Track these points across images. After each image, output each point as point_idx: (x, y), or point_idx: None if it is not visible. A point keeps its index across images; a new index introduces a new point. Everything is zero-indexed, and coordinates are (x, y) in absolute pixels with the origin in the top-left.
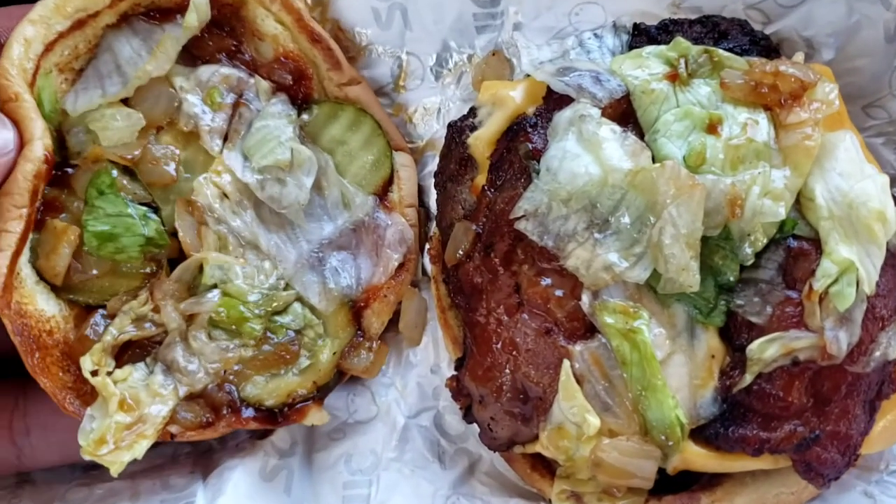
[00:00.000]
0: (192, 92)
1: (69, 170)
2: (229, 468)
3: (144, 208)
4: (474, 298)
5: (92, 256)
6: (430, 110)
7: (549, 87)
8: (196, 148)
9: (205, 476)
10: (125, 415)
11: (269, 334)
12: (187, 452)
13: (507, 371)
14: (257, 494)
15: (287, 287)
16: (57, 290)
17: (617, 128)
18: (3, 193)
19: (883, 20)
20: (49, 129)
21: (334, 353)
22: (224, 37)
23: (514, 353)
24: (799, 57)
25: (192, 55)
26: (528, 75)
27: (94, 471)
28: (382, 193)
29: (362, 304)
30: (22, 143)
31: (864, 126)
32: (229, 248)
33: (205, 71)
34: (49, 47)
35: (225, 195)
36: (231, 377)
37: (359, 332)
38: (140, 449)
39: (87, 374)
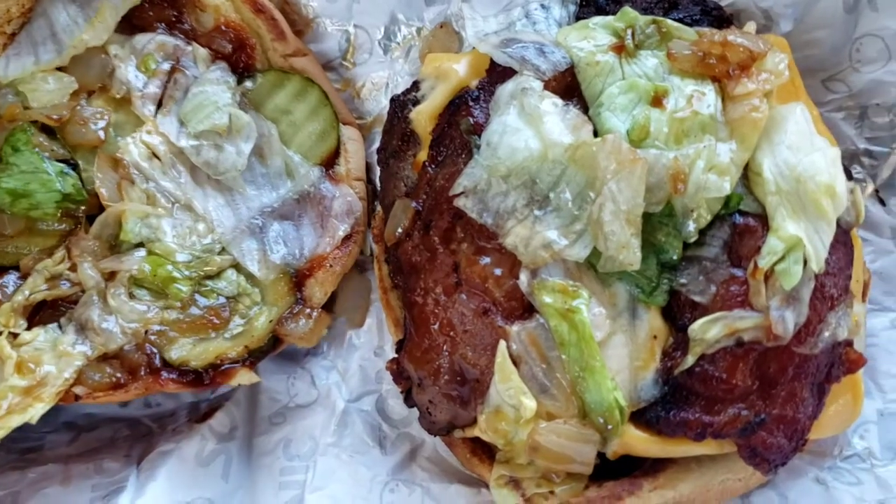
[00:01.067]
0: (127, 59)
1: None
2: (164, 452)
3: (62, 165)
4: (412, 278)
5: (5, 214)
6: (378, 85)
7: (492, 60)
8: (128, 113)
9: (139, 460)
10: (22, 378)
11: (197, 297)
12: (125, 437)
13: (445, 352)
14: (192, 480)
15: (223, 252)
16: None
17: (559, 101)
18: None
19: None
20: None
21: (271, 321)
22: (165, 7)
23: (452, 333)
24: (750, 27)
25: (130, 24)
26: (474, 48)
27: (31, 454)
28: (328, 165)
29: (306, 274)
30: None
31: (823, 100)
32: (158, 206)
33: (140, 39)
34: None
35: (155, 156)
36: (152, 338)
37: (299, 300)
38: (34, 412)
39: None
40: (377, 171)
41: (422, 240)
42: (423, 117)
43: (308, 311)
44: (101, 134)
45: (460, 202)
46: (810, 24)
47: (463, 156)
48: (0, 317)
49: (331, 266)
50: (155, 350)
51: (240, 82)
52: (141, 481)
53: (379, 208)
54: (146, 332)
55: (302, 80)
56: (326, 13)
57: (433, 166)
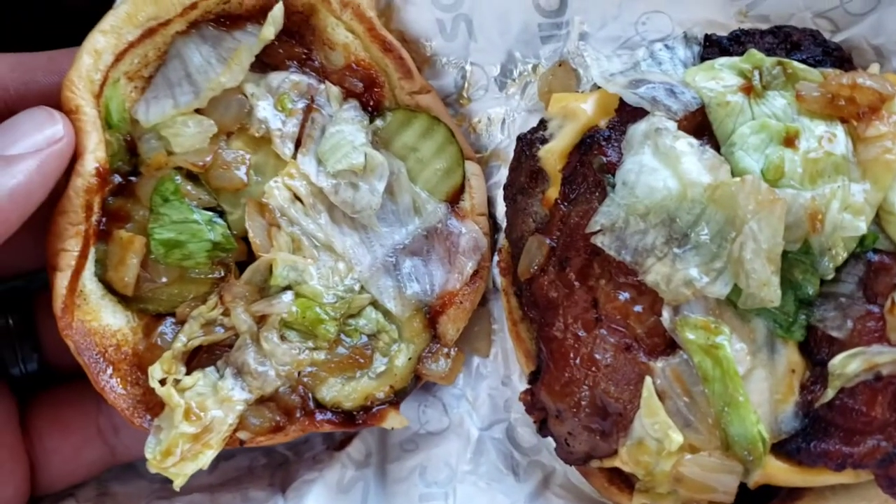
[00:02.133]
0: (263, 98)
1: (133, 178)
2: (308, 481)
3: (210, 213)
4: (550, 313)
5: (160, 264)
6: (495, 121)
7: (621, 100)
8: (267, 153)
9: (283, 489)
10: (190, 425)
11: (343, 337)
12: (264, 465)
13: (586, 387)
14: None
15: (362, 290)
16: (126, 300)
17: (694, 141)
18: (59, 212)
19: None
20: (110, 141)
21: (410, 359)
22: (294, 45)
23: (593, 368)
24: (874, 68)
25: (261, 62)
26: (599, 87)
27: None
28: (453, 201)
29: (438, 310)
30: (77, 153)
31: None
32: (303, 250)
33: (275, 77)
34: (119, 57)
35: (298, 198)
36: (305, 380)
37: (434, 338)
38: (205, 459)
39: (154, 384)
40: (497, 204)
41: (558, 276)
42: (552, 156)
43: (446, 350)
44: (244, 177)
45: (598, 240)
46: None
47: (596, 194)
48: (162, 364)
49: (461, 303)
50: (308, 392)
51: (371, 121)
52: None
53: (504, 242)
54: (299, 373)
55: (429, 118)
56: (444, 51)
57: (566, 204)
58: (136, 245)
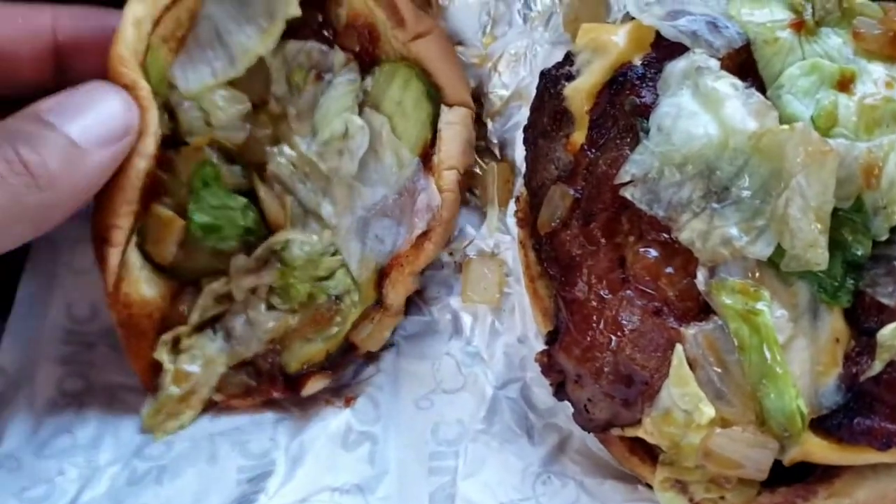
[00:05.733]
0: (281, 72)
1: (170, 149)
2: (310, 437)
3: (245, 199)
4: (572, 271)
5: (195, 242)
6: (517, 56)
7: (658, 33)
8: (284, 129)
9: (286, 445)
10: (177, 387)
11: (313, 299)
12: (267, 419)
13: (609, 352)
14: (339, 464)
15: (336, 252)
16: (160, 269)
17: (739, 83)
18: (117, 187)
19: None
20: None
21: (353, 322)
22: (312, 10)
23: (618, 333)
24: None
25: None
26: (633, 18)
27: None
28: (426, 155)
29: (385, 273)
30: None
31: None
32: (294, 218)
33: (292, 48)
34: (157, 22)
35: (293, 165)
36: (275, 346)
37: (378, 302)
38: (186, 419)
39: (160, 352)
40: (517, 146)
41: (582, 231)
42: (579, 95)
43: (373, 314)
44: (270, 154)
45: (628, 192)
46: None
47: (628, 140)
48: (183, 339)
49: (402, 266)
50: (276, 356)
51: (364, 77)
52: (289, 466)
53: (523, 189)
54: (273, 339)
55: (407, 69)
56: None
57: (593, 150)
58: (176, 225)
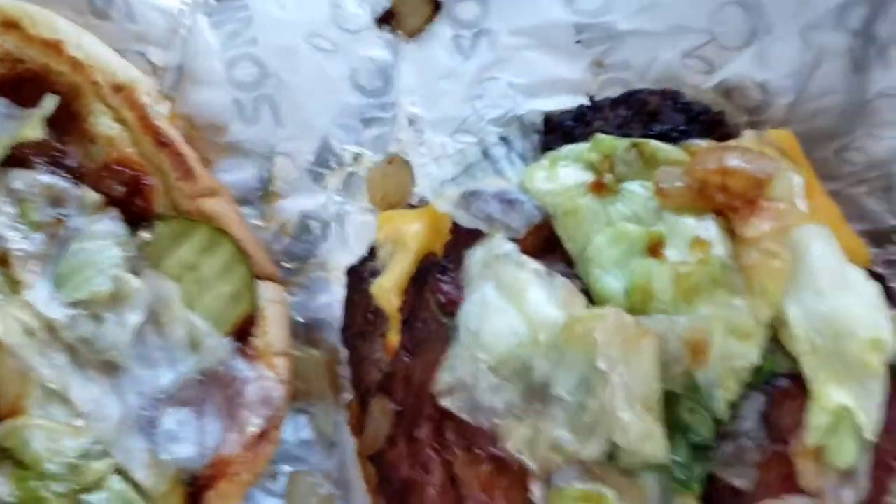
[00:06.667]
0: (2, 206)
1: None
2: None
3: None
4: (407, 495)
5: None
6: (313, 221)
7: None
8: (7, 277)
9: None
10: None
11: None
12: None
13: None
14: None
15: (104, 454)
16: None
17: (541, 267)
18: None
19: (847, 48)
20: None
21: None
22: (49, 138)
23: None
24: (748, 135)
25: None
26: (428, 203)
27: None
28: (243, 337)
29: (205, 483)
30: None
31: (839, 174)
32: (31, 398)
33: (17, 177)
34: None
35: (31, 332)
36: None
37: None
38: None
39: None
40: (329, 330)
41: (408, 447)
42: (385, 292)
43: None
44: None
45: (446, 402)
46: (814, 92)
47: (440, 342)
48: None
49: (236, 473)
50: None
51: (135, 232)
52: None
53: (353, 395)
54: None
55: (211, 229)
56: (244, 139)
57: (408, 355)
58: None
